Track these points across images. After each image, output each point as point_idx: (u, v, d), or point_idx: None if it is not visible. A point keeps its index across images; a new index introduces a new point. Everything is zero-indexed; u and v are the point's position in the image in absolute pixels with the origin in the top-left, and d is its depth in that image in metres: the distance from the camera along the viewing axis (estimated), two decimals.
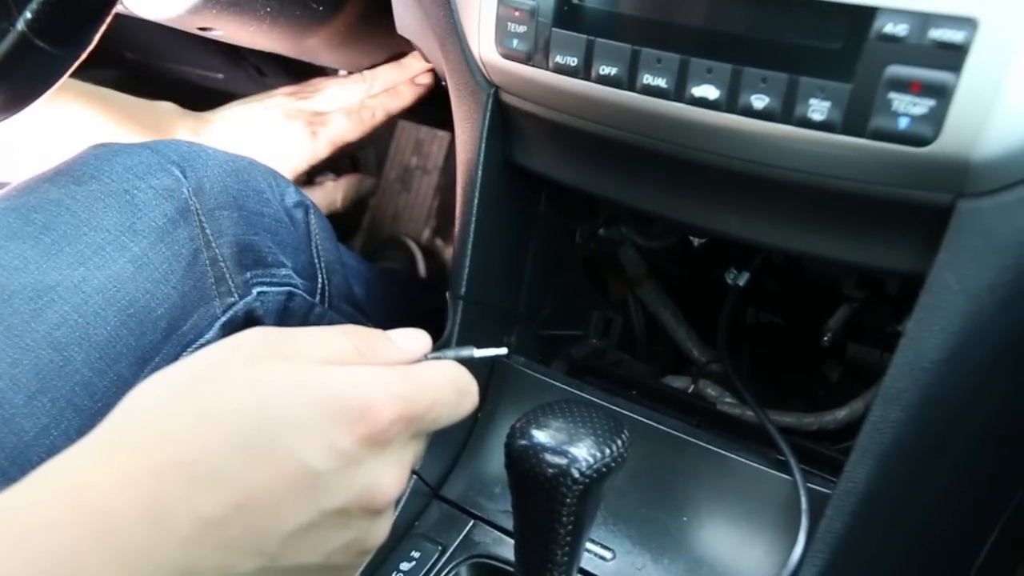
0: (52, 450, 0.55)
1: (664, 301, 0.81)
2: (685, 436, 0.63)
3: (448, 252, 1.36)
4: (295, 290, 0.72)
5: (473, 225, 0.66)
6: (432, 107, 1.09)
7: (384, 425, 0.40)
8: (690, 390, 0.74)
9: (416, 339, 0.47)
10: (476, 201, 0.66)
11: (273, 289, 0.70)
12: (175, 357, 0.63)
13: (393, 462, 0.42)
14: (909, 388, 0.50)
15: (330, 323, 0.77)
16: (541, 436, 0.45)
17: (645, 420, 0.65)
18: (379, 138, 1.42)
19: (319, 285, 0.75)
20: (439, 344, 0.69)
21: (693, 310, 0.81)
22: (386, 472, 0.41)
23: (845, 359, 0.75)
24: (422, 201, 1.40)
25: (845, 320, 0.70)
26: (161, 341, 0.62)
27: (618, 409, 0.66)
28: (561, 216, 0.74)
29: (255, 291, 0.68)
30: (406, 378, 0.42)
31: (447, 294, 0.69)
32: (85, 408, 0.58)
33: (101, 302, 0.59)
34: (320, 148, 0.92)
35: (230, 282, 0.66)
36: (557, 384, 0.69)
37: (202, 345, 0.64)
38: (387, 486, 0.41)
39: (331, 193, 1.03)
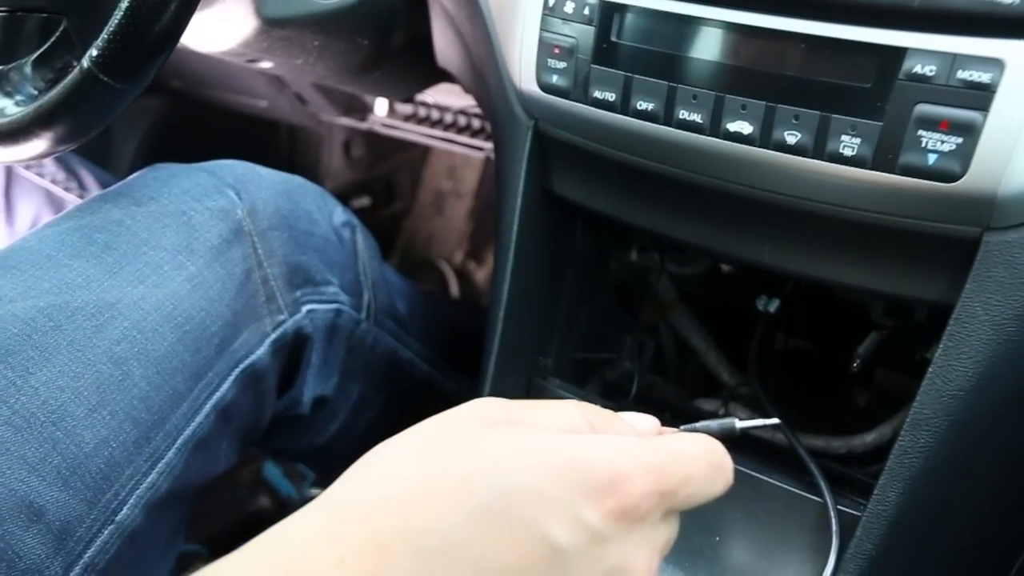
0: (110, 461, 0.58)
1: (695, 326, 0.82)
2: None
3: (480, 274, 1.39)
4: (343, 307, 0.74)
5: (512, 251, 0.68)
6: None
7: (636, 498, 0.36)
8: (720, 413, 0.76)
9: (647, 422, 0.44)
10: (515, 228, 0.68)
11: (322, 307, 0.72)
12: (227, 373, 0.65)
13: (644, 542, 0.37)
14: (937, 414, 0.52)
15: (375, 339, 0.79)
16: None
17: None
18: (413, 163, 1.46)
19: (365, 302, 0.77)
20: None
21: (723, 334, 0.82)
22: (637, 553, 0.37)
23: (873, 384, 0.77)
24: (455, 224, 1.43)
25: (874, 347, 0.71)
26: (214, 357, 0.64)
27: None
28: (596, 243, 0.76)
29: (304, 309, 0.71)
30: (657, 448, 0.38)
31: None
32: (142, 421, 0.60)
33: (159, 319, 0.62)
34: None
35: (280, 300, 0.69)
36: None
37: (254, 362, 0.67)
38: (638, 570, 0.37)
39: None
